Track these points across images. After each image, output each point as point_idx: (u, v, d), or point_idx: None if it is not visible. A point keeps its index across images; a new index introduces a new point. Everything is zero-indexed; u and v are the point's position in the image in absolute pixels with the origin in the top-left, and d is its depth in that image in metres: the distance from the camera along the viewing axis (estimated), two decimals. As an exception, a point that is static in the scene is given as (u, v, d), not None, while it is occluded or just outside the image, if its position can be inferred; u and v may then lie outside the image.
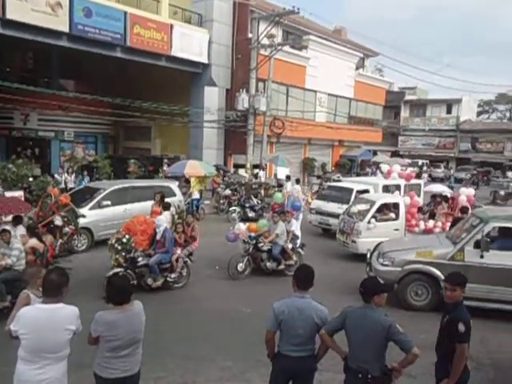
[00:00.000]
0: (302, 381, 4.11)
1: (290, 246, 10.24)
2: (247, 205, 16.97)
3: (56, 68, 24.47)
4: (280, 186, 21.03)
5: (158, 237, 8.75)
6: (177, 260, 8.88)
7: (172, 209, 10.06)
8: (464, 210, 11.74)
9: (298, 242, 10.61)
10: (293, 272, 10.28)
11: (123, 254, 8.40)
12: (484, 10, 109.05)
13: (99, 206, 12.12)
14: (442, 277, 8.00)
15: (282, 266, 10.12)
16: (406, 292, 8.33)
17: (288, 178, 19.94)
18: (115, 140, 29.72)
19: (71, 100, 20.78)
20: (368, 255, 10.53)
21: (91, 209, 11.95)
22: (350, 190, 14.80)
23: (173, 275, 8.84)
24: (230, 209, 16.91)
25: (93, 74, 25.11)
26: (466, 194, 13.23)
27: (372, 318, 3.81)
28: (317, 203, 15.65)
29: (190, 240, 9.43)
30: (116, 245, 8.47)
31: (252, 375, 5.74)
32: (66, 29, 17.55)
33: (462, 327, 3.92)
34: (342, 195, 14.55)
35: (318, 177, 27.85)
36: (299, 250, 10.47)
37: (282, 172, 21.75)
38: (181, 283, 9.06)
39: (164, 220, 9.01)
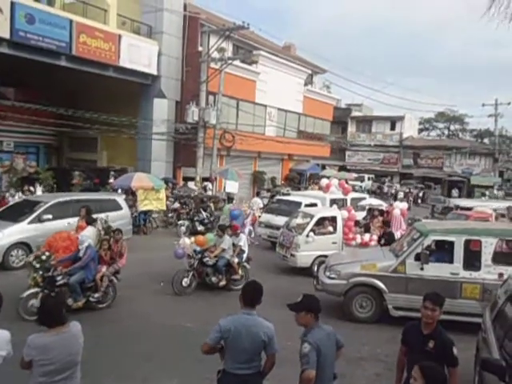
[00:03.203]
0: (249, 398, 4.05)
1: (236, 260, 10.15)
2: (196, 218, 16.81)
3: (-5, 75, 23.31)
4: (230, 199, 21.04)
5: (81, 254, 8.21)
6: (101, 279, 8.36)
7: (98, 224, 9.42)
8: (386, 223, 12.20)
9: (245, 256, 10.53)
10: (238, 286, 10.29)
11: (40, 272, 7.79)
12: (424, 33, 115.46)
13: (39, 220, 11.56)
14: (386, 289, 8.28)
15: (223, 283, 9.98)
16: (352, 304, 8.49)
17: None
18: (59, 151, 28.60)
19: (11, 108, 19.84)
20: (315, 268, 10.70)
21: (30, 223, 11.41)
22: (299, 204, 15.02)
23: (96, 295, 8.27)
24: (179, 222, 16.66)
25: (36, 83, 24.11)
26: (399, 207, 13.76)
27: (331, 332, 3.99)
28: (266, 217, 15.76)
29: (117, 257, 8.87)
30: (34, 262, 7.86)
31: (198, 394, 5.63)
32: (6, 35, 16.79)
33: (456, 351, 3.91)
34: (291, 209, 14.71)
35: (268, 190, 28.07)
36: (245, 264, 10.41)
37: (231, 186, 21.74)
38: (105, 303, 8.51)
39: (88, 236, 8.48)
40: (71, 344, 3.62)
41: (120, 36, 20.86)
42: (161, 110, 23.14)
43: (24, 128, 22.82)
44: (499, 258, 8.14)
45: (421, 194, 34.75)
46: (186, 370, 6.21)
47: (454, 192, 36.54)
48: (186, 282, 9.65)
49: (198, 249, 10.08)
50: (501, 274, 7.63)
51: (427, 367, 3.09)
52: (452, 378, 3.86)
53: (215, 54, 21.92)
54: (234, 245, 10.34)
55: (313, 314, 3.89)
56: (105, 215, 9.99)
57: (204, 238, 10.63)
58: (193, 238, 10.73)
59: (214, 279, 9.96)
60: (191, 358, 6.36)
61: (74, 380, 3.66)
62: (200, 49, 23.08)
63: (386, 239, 11.28)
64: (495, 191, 34.79)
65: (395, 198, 30.63)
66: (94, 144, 26.68)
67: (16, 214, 11.79)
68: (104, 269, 8.52)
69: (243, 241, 10.62)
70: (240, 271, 10.20)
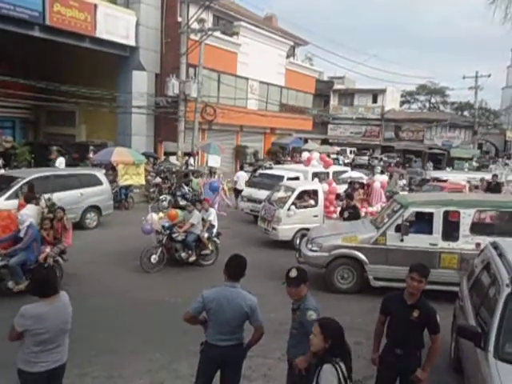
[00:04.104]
0: (231, 369, 4.11)
1: (205, 235, 10.00)
2: (178, 193, 16.69)
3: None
4: (213, 174, 20.91)
5: (22, 234, 7.76)
6: (45, 259, 7.92)
7: (41, 202, 8.91)
8: (350, 196, 12.12)
9: (215, 231, 10.39)
10: (208, 262, 10.29)
11: None
12: (405, 5, 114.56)
13: (17, 196, 11.31)
14: (367, 260, 8.41)
15: (193, 258, 9.86)
16: (333, 276, 8.62)
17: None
18: (36, 125, 27.92)
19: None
20: (297, 241, 10.77)
21: (8, 199, 11.17)
22: (281, 178, 15.01)
23: None
24: (161, 197, 16.54)
25: (10, 54, 23.26)
26: (380, 180, 13.92)
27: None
28: (248, 191, 15.75)
29: (62, 237, 8.47)
30: None
31: (181, 365, 5.67)
32: (-25, 3, 16.13)
33: (438, 319, 4.08)
34: (273, 182, 14.67)
35: (250, 164, 28.00)
36: (215, 239, 10.30)
37: (213, 160, 21.57)
38: None
39: (29, 215, 8.01)
40: (63, 312, 3.79)
41: (96, 5, 20.19)
42: (140, 82, 22.66)
43: (-2, 102, 22.17)
44: (477, 228, 8.30)
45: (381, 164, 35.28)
46: (169, 342, 6.24)
47: (429, 165, 36.96)
48: (154, 258, 9.48)
49: (167, 224, 9.87)
50: (478, 244, 7.78)
51: (324, 323, 3.25)
52: (434, 343, 4.10)
53: (195, 25, 21.37)
54: (203, 220, 10.18)
55: (307, 284, 4.01)
56: (51, 195, 9.33)
57: (176, 211, 10.46)
58: (161, 214, 10.53)
59: (183, 255, 9.80)
60: (173, 332, 6.40)
61: (64, 347, 3.87)
62: (179, 19, 22.45)
63: (352, 213, 10.96)
64: (474, 163, 35.34)
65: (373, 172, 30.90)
66: (72, 118, 26.10)
67: (-7, 189, 11.55)
68: (48, 249, 8.10)
69: (213, 215, 10.46)
70: (210, 246, 10.08)
